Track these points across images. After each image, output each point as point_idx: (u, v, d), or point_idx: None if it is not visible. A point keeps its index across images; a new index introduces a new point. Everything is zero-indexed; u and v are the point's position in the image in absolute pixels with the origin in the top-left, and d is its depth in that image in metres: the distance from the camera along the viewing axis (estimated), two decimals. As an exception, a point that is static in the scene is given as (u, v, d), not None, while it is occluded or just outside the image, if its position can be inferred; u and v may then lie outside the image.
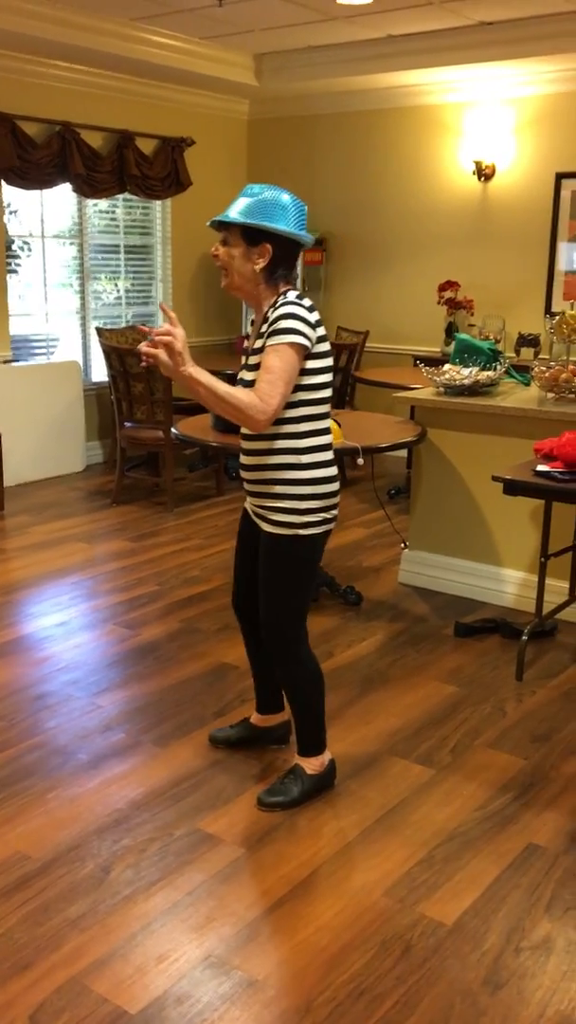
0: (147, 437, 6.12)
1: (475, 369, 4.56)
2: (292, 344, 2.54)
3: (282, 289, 2.67)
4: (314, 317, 2.62)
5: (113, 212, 7.42)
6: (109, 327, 7.20)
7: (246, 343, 2.81)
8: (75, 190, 6.87)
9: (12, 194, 6.63)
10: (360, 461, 3.94)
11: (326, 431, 2.74)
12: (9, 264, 6.71)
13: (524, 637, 3.80)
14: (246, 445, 2.74)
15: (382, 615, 4.43)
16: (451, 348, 5.08)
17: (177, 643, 4.07)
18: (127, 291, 7.63)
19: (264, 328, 2.62)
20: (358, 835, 2.76)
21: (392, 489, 6.50)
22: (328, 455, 2.75)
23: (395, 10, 5.82)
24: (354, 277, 7.86)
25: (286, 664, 2.86)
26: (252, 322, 2.80)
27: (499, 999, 2.15)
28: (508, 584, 4.52)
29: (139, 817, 2.81)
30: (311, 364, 2.63)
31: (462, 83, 6.94)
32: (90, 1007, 2.10)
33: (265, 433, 2.66)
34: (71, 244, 7.17)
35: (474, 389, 4.51)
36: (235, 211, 2.63)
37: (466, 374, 4.52)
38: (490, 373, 4.54)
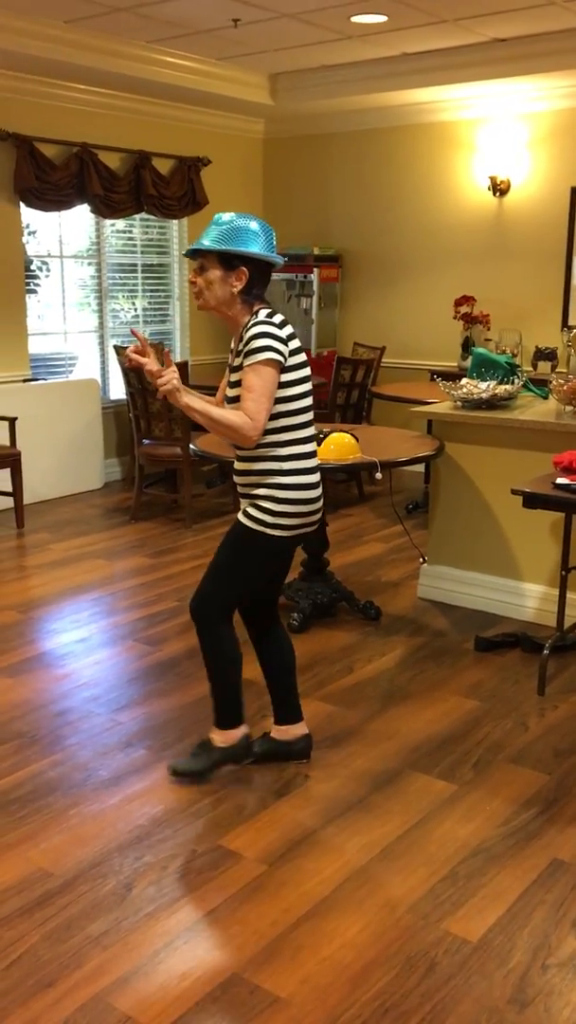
0: (165, 454, 6.15)
1: (493, 383, 4.56)
2: (268, 361, 2.73)
3: (255, 308, 2.85)
4: (285, 332, 2.81)
5: (130, 232, 7.48)
6: (127, 345, 7.24)
7: (229, 359, 2.95)
8: (93, 211, 6.94)
9: (31, 215, 6.70)
10: (378, 475, 3.94)
11: (307, 440, 2.91)
12: (28, 284, 6.78)
13: (545, 651, 3.78)
14: (238, 453, 2.94)
15: (401, 630, 4.42)
16: (468, 363, 5.08)
17: (197, 659, 4.03)
18: (144, 310, 7.68)
19: (241, 347, 2.81)
20: (380, 851, 2.74)
21: (410, 504, 6.49)
22: (309, 463, 2.92)
23: (409, 28, 5.86)
24: (370, 293, 7.88)
25: (202, 637, 3.01)
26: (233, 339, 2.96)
27: (526, 1017, 2.13)
28: (528, 598, 4.49)
29: (161, 834, 2.80)
30: (286, 377, 2.81)
31: (476, 99, 6.97)
32: (113, 1025, 2.09)
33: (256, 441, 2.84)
34: (89, 264, 7.23)
35: (492, 403, 4.51)
36: (209, 239, 2.81)
37: (484, 388, 4.52)
38: (508, 387, 4.54)
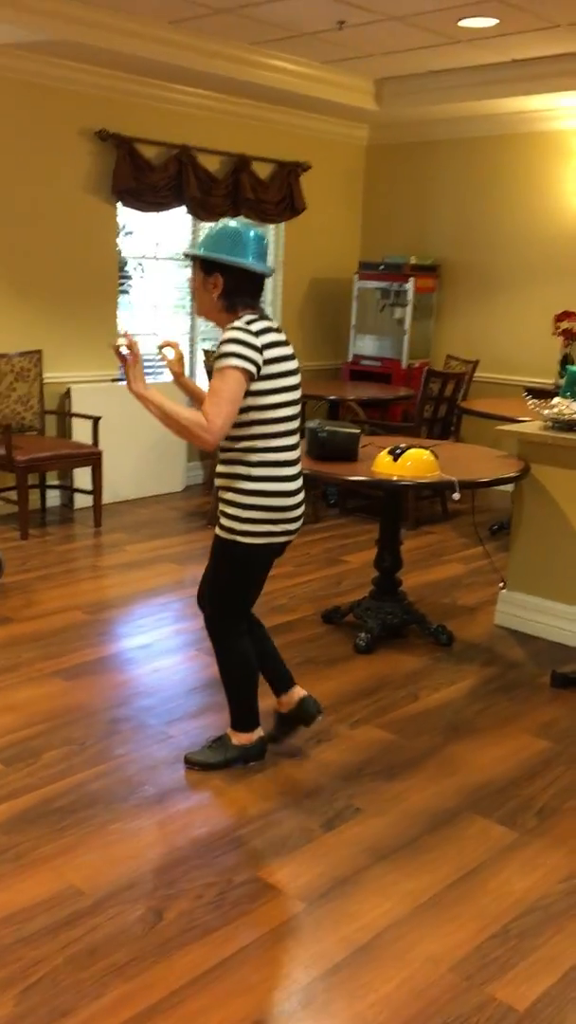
0: (246, 460, 6.05)
1: (586, 404, 4.31)
2: (233, 367, 2.71)
3: (241, 315, 2.83)
4: (263, 339, 2.77)
5: (226, 235, 7.42)
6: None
7: None
8: (189, 212, 6.92)
9: (128, 215, 6.72)
10: (456, 496, 3.76)
11: (285, 448, 2.89)
12: (122, 284, 6.79)
13: (626, 693, 3.54)
14: (219, 456, 2.96)
15: (474, 658, 4.21)
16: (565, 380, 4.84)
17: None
18: (236, 313, 7.60)
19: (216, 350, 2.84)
20: (428, 899, 2.57)
21: (495, 524, 6.25)
22: (285, 472, 2.90)
23: (520, 33, 5.65)
24: (467, 305, 7.66)
25: (217, 646, 3.11)
26: None
27: None
28: (612, 634, 4.24)
29: (199, 859, 2.69)
30: (262, 385, 2.78)
31: (589, 108, 6.69)
32: (126, 1065, 1.99)
33: (226, 446, 2.88)
34: (185, 266, 7.21)
35: (584, 425, 4.27)
36: (200, 243, 2.88)
37: (576, 409, 4.28)
38: (602, 409, 4.29)
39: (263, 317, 2.86)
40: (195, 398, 3.27)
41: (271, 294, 7.75)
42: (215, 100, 6.84)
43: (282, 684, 3.28)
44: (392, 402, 6.90)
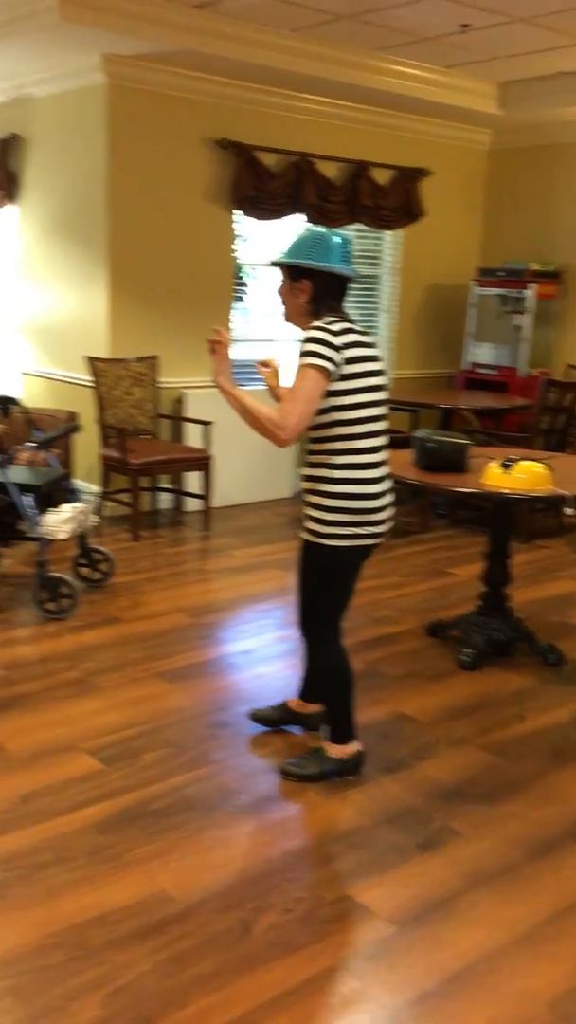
0: (355, 468, 6.01)
1: None
2: (311, 365, 2.72)
3: (323, 317, 2.85)
4: (343, 339, 2.77)
5: (343, 241, 7.40)
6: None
7: None
8: (308, 220, 6.92)
9: (244, 221, 6.76)
10: (569, 511, 3.62)
11: (369, 451, 2.86)
12: (236, 291, 6.85)
13: None
14: (305, 458, 2.98)
15: (585, 680, 4.06)
16: None
17: (357, 686, 3.89)
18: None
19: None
20: (526, 930, 2.47)
21: (613, 541, 6.02)
22: (370, 474, 2.87)
23: None
24: (590, 313, 7.41)
25: (317, 652, 3.13)
26: None
27: None
28: None
29: (291, 872, 2.66)
30: (342, 385, 2.78)
31: None
32: (206, 1078, 1.97)
33: (313, 448, 2.90)
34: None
35: None
36: (285, 251, 2.91)
37: None
38: None
39: (346, 319, 2.87)
40: None
41: (388, 300, 7.68)
42: (334, 107, 6.83)
43: (308, 694, 3.43)
44: (507, 412, 6.73)
